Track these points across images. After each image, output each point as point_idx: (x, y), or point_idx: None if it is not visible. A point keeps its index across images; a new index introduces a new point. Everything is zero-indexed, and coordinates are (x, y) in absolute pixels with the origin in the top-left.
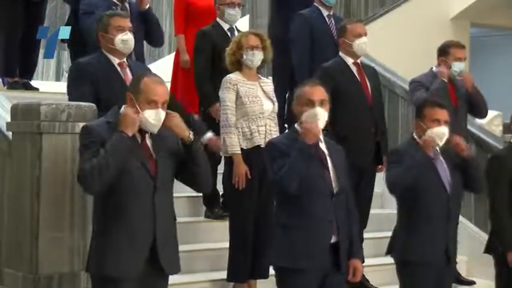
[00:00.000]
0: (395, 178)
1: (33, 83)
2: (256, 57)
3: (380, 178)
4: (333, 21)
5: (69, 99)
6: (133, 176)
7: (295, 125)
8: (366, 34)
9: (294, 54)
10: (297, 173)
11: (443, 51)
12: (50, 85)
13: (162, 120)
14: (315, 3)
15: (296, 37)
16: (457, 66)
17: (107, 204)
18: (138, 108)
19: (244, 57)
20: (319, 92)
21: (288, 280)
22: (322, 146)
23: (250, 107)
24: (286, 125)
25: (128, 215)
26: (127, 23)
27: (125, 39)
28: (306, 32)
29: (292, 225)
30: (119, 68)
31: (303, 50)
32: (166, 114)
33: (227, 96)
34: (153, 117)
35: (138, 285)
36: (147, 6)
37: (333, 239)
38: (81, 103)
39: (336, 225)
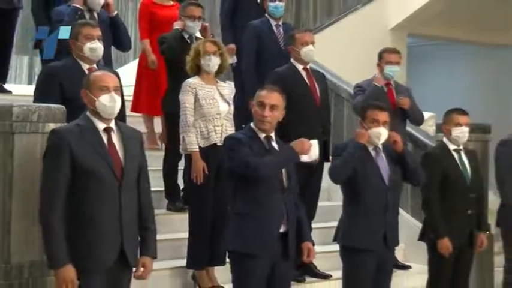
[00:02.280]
0: (334, 168)
1: (7, 86)
2: (213, 62)
3: (326, 173)
4: (281, 31)
5: (34, 101)
6: (100, 177)
7: (251, 124)
8: (313, 42)
9: (242, 62)
10: (277, 169)
11: (379, 56)
12: (23, 88)
13: (118, 104)
14: (266, 15)
15: (244, 46)
16: (389, 69)
17: (73, 207)
18: (93, 97)
19: (202, 62)
20: (272, 97)
21: (241, 264)
22: (275, 145)
23: (207, 108)
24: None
25: (95, 218)
26: (96, 32)
27: (93, 47)
28: (254, 41)
29: (246, 214)
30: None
31: (249, 58)
32: None
33: (186, 98)
34: (108, 100)
35: (107, 278)
36: (115, 13)
37: (283, 229)
38: (51, 105)
39: (286, 217)
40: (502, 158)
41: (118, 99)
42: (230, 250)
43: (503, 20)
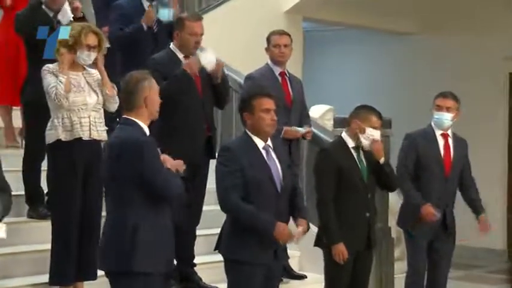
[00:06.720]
0: (237, 210)
1: None
2: (91, 58)
3: (213, 174)
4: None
5: None
6: None
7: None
8: (202, 34)
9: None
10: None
11: (267, 40)
12: None
13: None
14: None
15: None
16: (275, 53)
17: None
18: None
19: (78, 54)
20: None
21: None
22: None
23: (72, 98)
24: None
25: None
26: None
27: None
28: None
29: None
30: None
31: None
32: None
33: (50, 80)
34: None
35: None
36: None
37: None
38: None
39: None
40: (401, 152)
41: None
42: (115, 271)
43: (404, 7)
